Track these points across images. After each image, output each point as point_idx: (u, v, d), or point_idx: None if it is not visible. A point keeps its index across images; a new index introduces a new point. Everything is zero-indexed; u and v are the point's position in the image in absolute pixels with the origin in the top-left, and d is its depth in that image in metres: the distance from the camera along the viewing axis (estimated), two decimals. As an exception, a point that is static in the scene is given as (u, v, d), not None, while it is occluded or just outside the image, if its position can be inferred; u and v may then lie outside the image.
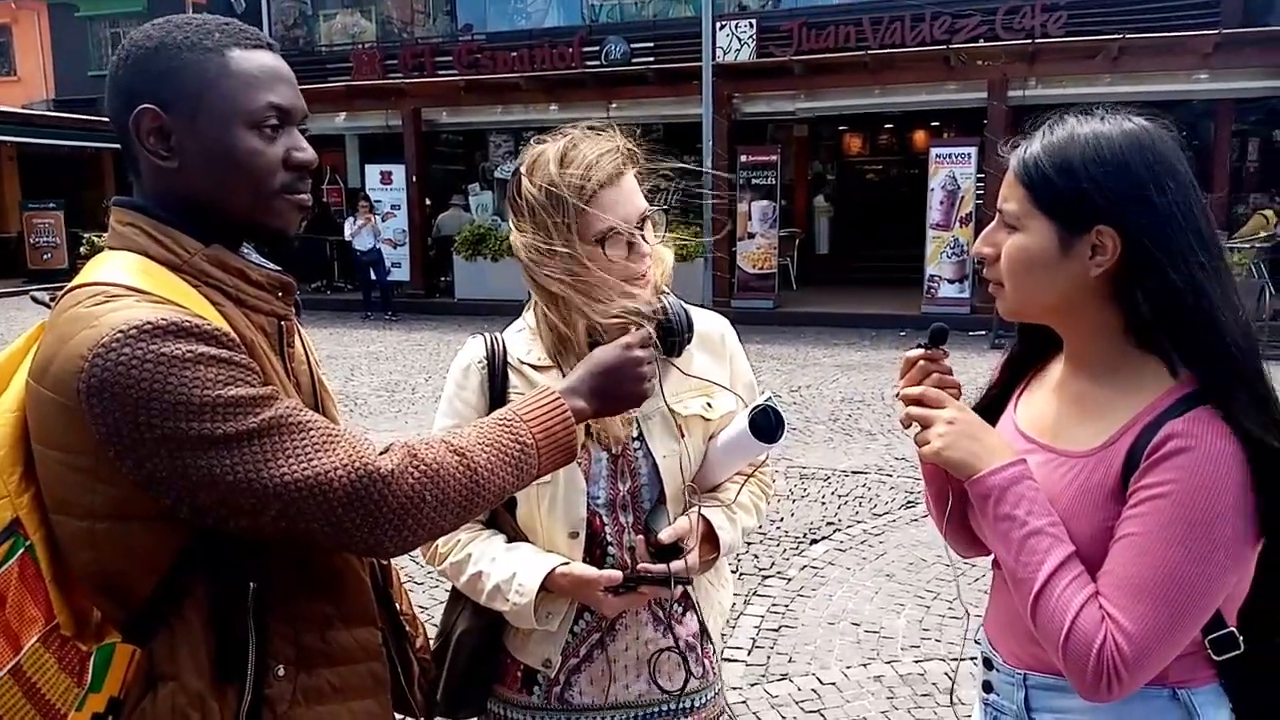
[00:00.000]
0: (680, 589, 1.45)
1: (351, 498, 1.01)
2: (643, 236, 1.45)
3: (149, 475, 0.98)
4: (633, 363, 1.27)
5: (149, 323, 0.97)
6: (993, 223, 1.23)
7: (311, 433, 1.03)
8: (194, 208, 1.11)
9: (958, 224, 12.51)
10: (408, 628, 1.37)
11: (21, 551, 1.02)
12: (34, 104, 22.02)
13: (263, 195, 1.12)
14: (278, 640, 1.10)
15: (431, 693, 1.44)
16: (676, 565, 1.39)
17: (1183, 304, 1.09)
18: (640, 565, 1.43)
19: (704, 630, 1.56)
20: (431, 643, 1.54)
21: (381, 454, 1.06)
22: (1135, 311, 1.13)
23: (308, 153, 1.15)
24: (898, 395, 1.30)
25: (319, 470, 1.00)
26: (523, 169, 1.46)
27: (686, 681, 1.52)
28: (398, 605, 1.36)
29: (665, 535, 1.42)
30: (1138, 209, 1.10)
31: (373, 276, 14.31)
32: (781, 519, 5.17)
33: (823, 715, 3.23)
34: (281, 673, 1.10)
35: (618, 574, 1.39)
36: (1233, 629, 1.14)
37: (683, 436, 1.49)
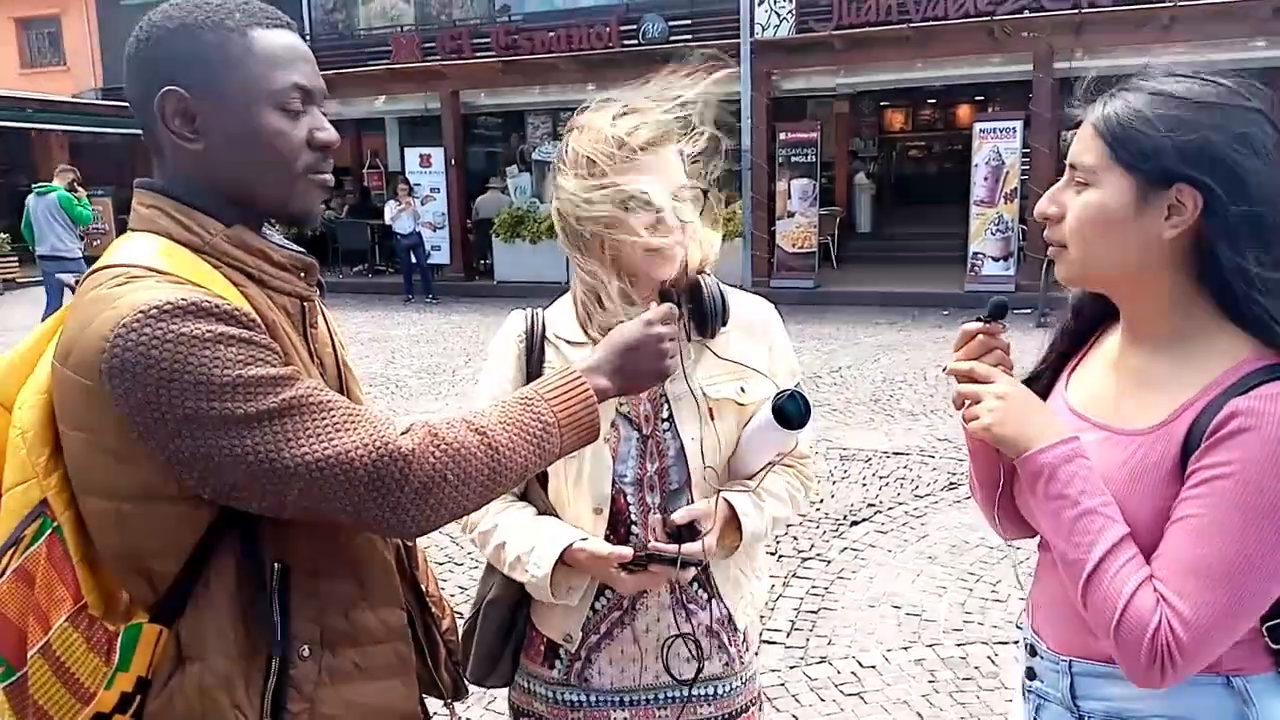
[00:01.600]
0: (691, 574, 1.43)
1: (373, 477, 1.01)
2: (675, 211, 1.42)
3: (172, 455, 0.99)
4: (654, 339, 1.26)
5: (169, 303, 0.97)
6: (1060, 181, 1.18)
7: (333, 412, 1.03)
8: (219, 189, 1.11)
9: (1002, 200, 12.27)
10: (434, 609, 1.37)
11: (50, 532, 1.03)
12: (83, 93, 22.40)
13: (288, 176, 1.13)
14: (303, 620, 1.11)
15: (458, 673, 1.44)
16: (688, 547, 1.37)
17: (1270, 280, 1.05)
18: (651, 544, 1.42)
19: (731, 619, 1.54)
20: (468, 610, 1.56)
21: (403, 434, 1.06)
22: (1218, 278, 1.09)
23: (330, 132, 1.16)
24: (945, 370, 1.27)
25: (340, 450, 1.01)
26: (579, 122, 1.48)
27: (698, 673, 1.50)
28: (424, 587, 1.36)
29: (679, 515, 1.42)
30: (1227, 167, 1.05)
31: (413, 260, 14.41)
32: (821, 501, 5.14)
33: (863, 698, 3.21)
34: (306, 653, 1.11)
35: (629, 550, 1.38)
36: None
37: (711, 419, 1.48)
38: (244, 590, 1.08)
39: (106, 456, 1.01)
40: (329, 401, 1.04)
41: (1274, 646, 1.11)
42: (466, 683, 1.48)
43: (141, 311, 0.97)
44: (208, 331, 0.98)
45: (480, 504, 1.12)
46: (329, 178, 1.18)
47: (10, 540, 1.03)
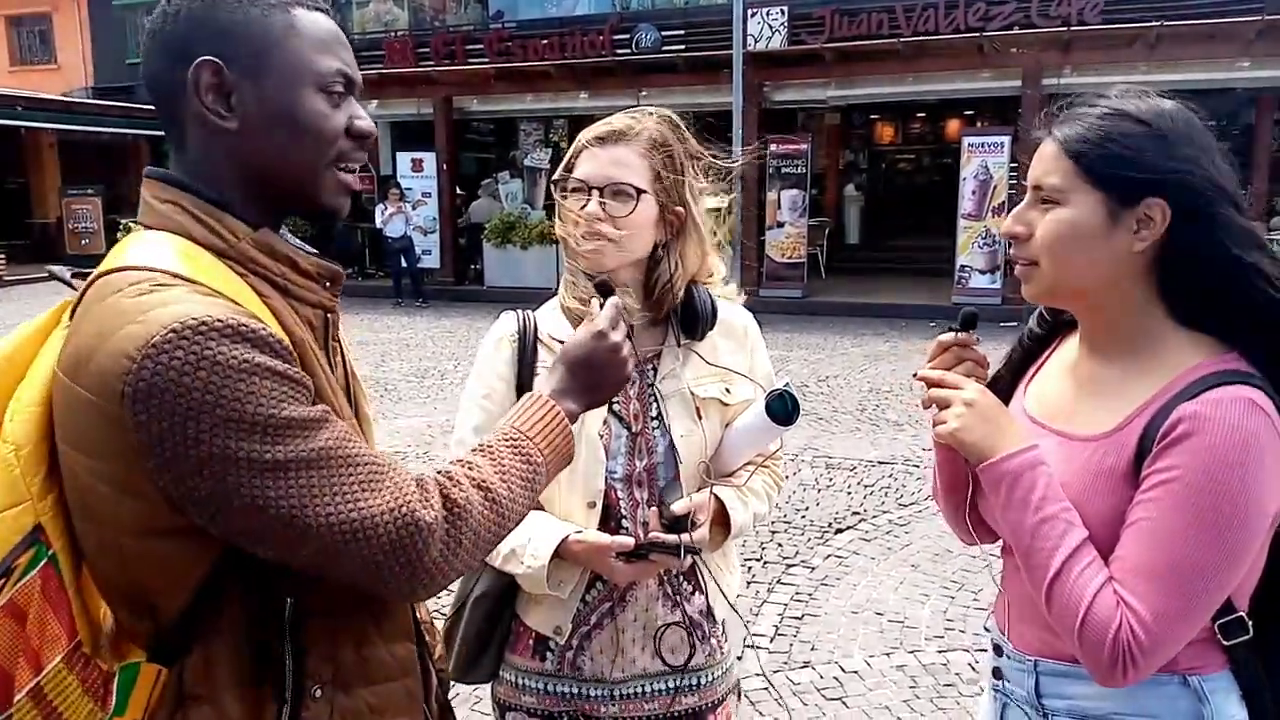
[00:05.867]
0: (689, 563, 1.49)
1: (394, 546, 0.95)
2: (601, 203, 1.48)
3: (186, 493, 0.89)
4: (605, 350, 1.21)
5: (204, 322, 0.88)
6: (1024, 201, 1.22)
7: (359, 469, 0.96)
8: (244, 176, 1.03)
9: (990, 214, 12.37)
10: (427, 636, 1.31)
11: (44, 562, 0.93)
12: (73, 92, 22.34)
13: (321, 162, 1.05)
14: (315, 659, 1.03)
15: (447, 704, 1.37)
16: (688, 537, 1.43)
17: (1240, 279, 1.09)
18: (652, 534, 1.46)
19: (711, 611, 1.60)
20: (448, 608, 1.58)
21: (421, 495, 1.00)
22: (1181, 288, 1.13)
23: (367, 122, 1.09)
24: (915, 375, 1.30)
25: (365, 514, 0.94)
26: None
27: (690, 657, 1.56)
28: (417, 613, 1.29)
29: (679, 507, 1.46)
30: (1193, 181, 1.09)
31: (403, 263, 14.42)
32: (807, 508, 5.18)
33: (844, 703, 3.25)
34: (319, 694, 1.04)
35: (630, 540, 1.43)
36: (1242, 614, 1.14)
37: (700, 418, 1.53)
38: (254, 627, 1.00)
39: (110, 487, 0.91)
40: (356, 455, 0.96)
41: (1226, 644, 1.15)
42: (450, 707, 1.45)
43: (173, 330, 0.87)
44: (244, 360, 0.89)
45: (485, 555, 1.09)
46: (354, 178, 1.11)
47: (0, 571, 0.91)
